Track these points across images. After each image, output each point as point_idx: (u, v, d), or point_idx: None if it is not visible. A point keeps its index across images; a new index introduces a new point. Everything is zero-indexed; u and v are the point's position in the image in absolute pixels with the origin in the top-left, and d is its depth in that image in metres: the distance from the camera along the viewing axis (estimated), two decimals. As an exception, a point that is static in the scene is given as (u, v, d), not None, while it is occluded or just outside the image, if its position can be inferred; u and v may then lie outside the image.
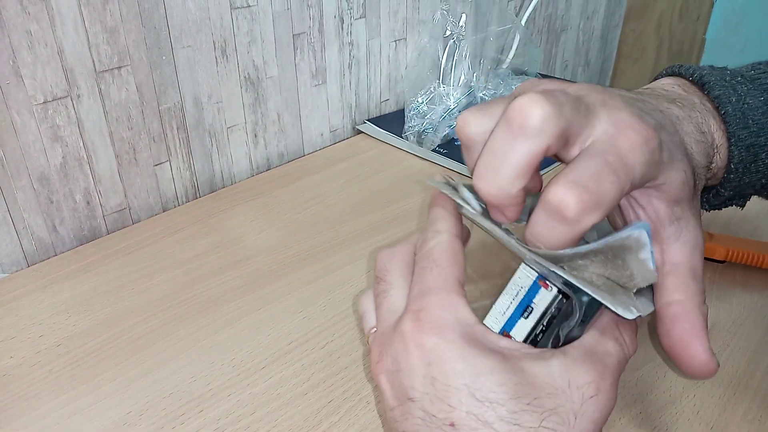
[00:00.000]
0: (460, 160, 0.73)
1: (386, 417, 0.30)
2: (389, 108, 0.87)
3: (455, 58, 0.79)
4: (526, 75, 0.86)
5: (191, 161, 0.67)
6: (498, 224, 0.31)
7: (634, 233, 0.28)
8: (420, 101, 0.78)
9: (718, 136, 0.35)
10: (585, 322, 0.31)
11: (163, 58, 0.61)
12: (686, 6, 1.31)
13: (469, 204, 0.32)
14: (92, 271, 0.55)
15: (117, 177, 0.62)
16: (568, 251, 0.28)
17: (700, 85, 0.36)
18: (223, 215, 0.63)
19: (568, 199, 0.26)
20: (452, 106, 0.78)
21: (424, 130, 0.76)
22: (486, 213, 0.32)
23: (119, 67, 0.58)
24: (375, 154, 0.76)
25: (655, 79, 0.38)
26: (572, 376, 0.27)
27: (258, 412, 0.41)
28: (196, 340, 0.47)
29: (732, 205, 0.39)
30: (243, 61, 0.68)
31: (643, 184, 0.29)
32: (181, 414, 0.41)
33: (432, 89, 0.78)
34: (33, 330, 0.48)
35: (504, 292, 0.31)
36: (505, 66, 0.89)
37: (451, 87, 0.79)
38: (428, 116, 0.77)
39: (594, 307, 0.30)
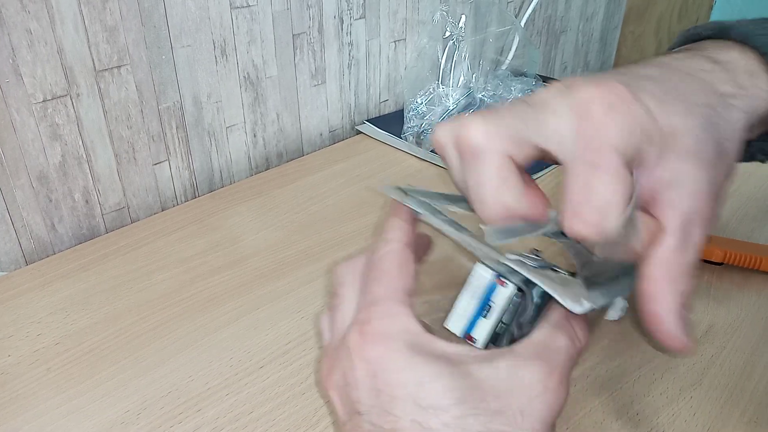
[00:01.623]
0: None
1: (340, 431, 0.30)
2: (388, 108, 0.88)
3: (454, 58, 0.79)
4: (525, 76, 0.87)
5: (190, 160, 0.67)
6: (452, 222, 0.32)
7: None
8: (419, 102, 0.78)
9: (748, 63, 0.31)
10: (537, 315, 0.31)
11: (163, 57, 0.61)
12: (685, 8, 1.32)
13: (420, 208, 0.33)
14: (91, 269, 0.55)
15: (116, 176, 0.62)
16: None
17: (736, 37, 0.32)
18: (222, 215, 0.63)
19: (582, 232, 0.26)
20: (451, 107, 0.78)
21: (423, 131, 0.76)
22: (439, 213, 0.32)
23: (119, 66, 0.58)
24: (374, 155, 0.76)
25: (669, 50, 0.36)
26: (519, 376, 0.27)
27: (256, 411, 0.41)
28: (194, 340, 0.47)
29: None
30: (242, 60, 0.68)
31: (640, 144, 0.26)
32: (179, 413, 0.41)
33: (431, 90, 0.78)
34: (31, 328, 0.48)
35: (462, 293, 0.32)
36: (504, 67, 0.89)
37: (451, 88, 0.79)
38: (427, 117, 0.77)
39: (545, 299, 0.30)
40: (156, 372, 0.44)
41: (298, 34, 0.72)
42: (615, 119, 0.26)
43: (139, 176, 0.63)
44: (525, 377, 0.27)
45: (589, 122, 0.26)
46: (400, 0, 0.82)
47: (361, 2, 0.77)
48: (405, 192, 0.34)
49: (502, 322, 0.31)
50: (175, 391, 0.43)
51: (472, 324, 0.31)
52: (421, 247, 0.36)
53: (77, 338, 0.47)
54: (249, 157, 0.73)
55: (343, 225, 0.61)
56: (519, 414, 0.26)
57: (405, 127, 0.77)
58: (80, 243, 0.60)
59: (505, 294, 0.30)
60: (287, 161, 0.76)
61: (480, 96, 0.79)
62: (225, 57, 0.66)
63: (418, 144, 0.76)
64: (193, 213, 0.63)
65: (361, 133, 0.81)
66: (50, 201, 0.58)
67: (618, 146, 0.26)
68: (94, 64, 0.56)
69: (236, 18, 0.65)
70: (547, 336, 0.29)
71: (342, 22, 0.76)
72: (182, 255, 0.57)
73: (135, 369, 0.44)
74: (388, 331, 0.28)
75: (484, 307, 0.31)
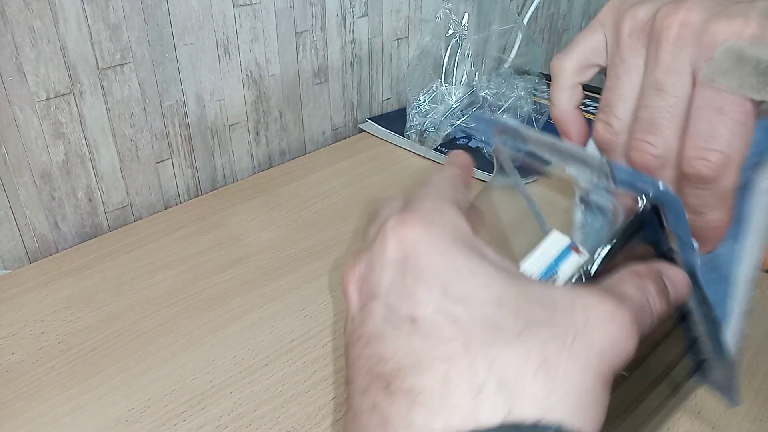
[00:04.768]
0: (462, 159, 0.73)
1: (347, 337, 0.25)
2: (391, 107, 0.87)
3: (457, 57, 0.79)
4: (528, 74, 0.86)
5: (193, 159, 0.67)
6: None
7: None
8: (422, 100, 0.78)
9: None
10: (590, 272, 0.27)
11: (166, 55, 0.61)
12: (688, 6, 1.32)
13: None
14: (94, 268, 0.55)
15: (119, 174, 0.61)
16: None
17: None
18: (225, 213, 0.63)
19: (703, 171, 0.27)
20: (454, 105, 0.78)
21: (425, 129, 0.76)
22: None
23: (122, 64, 0.58)
24: (377, 153, 0.76)
25: None
26: (578, 297, 0.22)
27: (260, 409, 0.41)
28: (198, 338, 0.47)
29: None
30: (245, 58, 0.68)
31: None
32: (183, 411, 0.41)
33: (434, 88, 0.78)
34: (35, 327, 0.48)
35: (530, 255, 0.28)
36: (507, 65, 0.89)
37: (453, 86, 0.79)
38: (430, 115, 0.77)
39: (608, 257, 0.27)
40: (160, 370, 0.44)
41: (301, 32, 0.72)
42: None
43: (142, 174, 0.63)
44: (586, 299, 0.22)
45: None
46: (402, -2, 0.82)
47: (364, 0, 0.77)
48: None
49: None
50: (179, 389, 0.43)
51: None
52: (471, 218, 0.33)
53: (81, 336, 0.47)
54: (251, 156, 0.73)
55: (346, 223, 0.61)
56: (571, 333, 0.21)
57: (408, 126, 0.77)
58: (83, 241, 0.60)
59: (574, 263, 0.27)
60: (290, 159, 0.76)
61: (483, 94, 0.79)
62: (228, 55, 0.66)
63: (421, 142, 0.76)
64: (195, 211, 0.63)
65: (364, 131, 0.81)
66: (53, 199, 0.58)
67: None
68: (97, 62, 0.56)
69: (239, 16, 0.65)
70: (612, 283, 0.24)
71: (345, 20, 0.76)
72: (185, 253, 0.56)
73: (138, 367, 0.44)
74: (433, 218, 0.24)
75: (549, 274, 0.27)
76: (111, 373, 0.44)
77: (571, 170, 0.29)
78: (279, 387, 0.43)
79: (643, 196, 0.26)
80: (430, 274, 0.23)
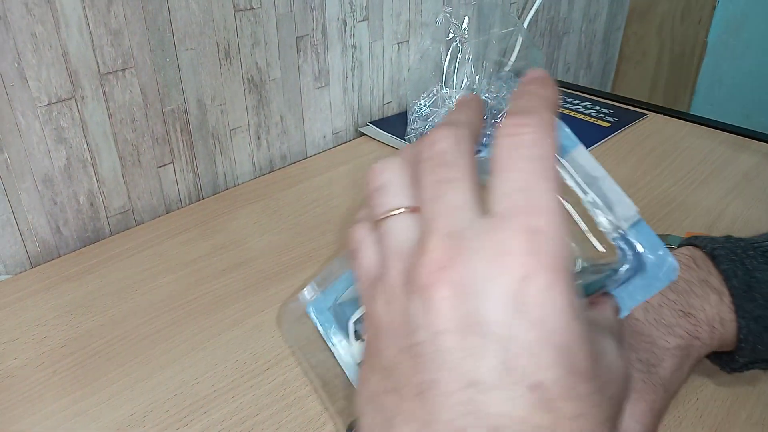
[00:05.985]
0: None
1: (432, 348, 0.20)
2: (392, 110, 0.88)
3: (458, 60, 0.79)
4: (528, 77, 0.86)
5: (194, 163, 0.67)
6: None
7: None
8: (422, 104, 0.78)
9: (721, 310, 0.37)
10: None
11: (167, 60, 0.61)
12: (688, 9, 1.31)
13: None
14: (96, 272, 0.55)
15: (120, 178, 0.62)
16: None
17: (712, 257, 0.39)
18: (227, 217, 0.63)
19: None
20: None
21: (426, 133, 0.76)
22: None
23: (123, 69, 0.58)
24: (377, 157, 0.75)
25: (681, 245, 0.43)
26: None
27: (262, 413, 0.41)
28: (200, 342, 0.47)
29: (755, 369, 0.40)
30: (246, 63, 0.68)
31: None
32: (185, 416, 0.41)
33: (434, 92, 0.78)
34: (37, 331, 0.48)
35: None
36: (507, 69, 0.89)
37: (454, 89, 0.79)
38: (431, 119, 0.77)
39: None
40: (162, 374, 0.44)
41: (302, 36, 0.72)
42: None
43: (143, 179, 0.63)
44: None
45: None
46: (403, 2, 0.82)
47: (364, 4, 0.77)
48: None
49: None
50: (181, 394, 0.43)
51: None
52: None
53: (83, 341, 0.47)
54: (253, 160, 0.73)
55: (347, 227, 0.61)
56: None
57: (408, 129, 0.77)
58: (85, 246, 0.60)
59: None
60: (291, 164, 0.76)
61: (484, 97, 0.79)
62: (229, 60, 0.66)
63: (422, 146, 0.76)
64: (197, 216, 0.64)
65: (365, 135, 0.81)
66: (55, 204, 0.58)
67: None
68: (98, 67, 0.56)
69: (240, 20, 0.65)
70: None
71: (345, 24, 0.76)
72: (187, 257, 0.57)
73: (141, 371, 0.45)
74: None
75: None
76: (113, 377, 0.44)
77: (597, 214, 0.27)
78: (281, 391, 0.43)
79: (630, 258, 0.26)
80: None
